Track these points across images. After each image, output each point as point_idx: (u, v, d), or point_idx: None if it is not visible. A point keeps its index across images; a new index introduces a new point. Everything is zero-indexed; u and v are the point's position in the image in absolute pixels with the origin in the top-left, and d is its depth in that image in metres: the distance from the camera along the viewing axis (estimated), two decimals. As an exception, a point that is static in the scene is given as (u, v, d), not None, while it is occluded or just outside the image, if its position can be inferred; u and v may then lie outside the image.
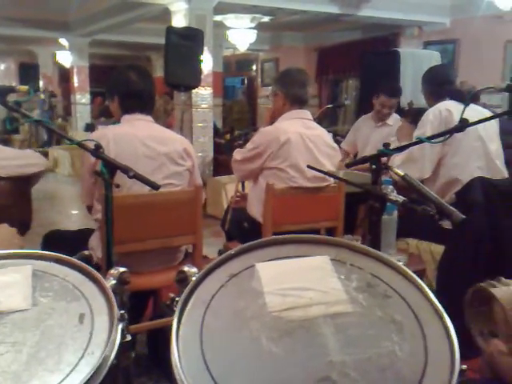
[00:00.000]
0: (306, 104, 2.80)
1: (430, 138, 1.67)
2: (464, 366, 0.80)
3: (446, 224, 2.81)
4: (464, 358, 1.26)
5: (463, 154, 2.83)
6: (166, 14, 6.04)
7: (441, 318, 0.85)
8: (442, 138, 1.58)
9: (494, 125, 2.93)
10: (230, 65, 11.48)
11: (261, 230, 2.71)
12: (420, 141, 1.69)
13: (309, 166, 2.14)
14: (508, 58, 5.11)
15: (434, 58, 4.93)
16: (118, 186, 1.74)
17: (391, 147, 1.80)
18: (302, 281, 0.94)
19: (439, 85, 3.03)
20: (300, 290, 0.93)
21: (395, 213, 2.45)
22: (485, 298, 1.31)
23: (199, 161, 6.09)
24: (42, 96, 11.85)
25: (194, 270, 1.02)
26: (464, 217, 1.53)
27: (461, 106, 2.82)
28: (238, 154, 2.86)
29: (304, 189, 2.76)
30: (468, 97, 2.78)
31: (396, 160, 2.93)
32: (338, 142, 4.94)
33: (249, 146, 2.79)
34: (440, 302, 2.57)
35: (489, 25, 5.04)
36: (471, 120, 2.85)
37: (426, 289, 0.90)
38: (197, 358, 0.81)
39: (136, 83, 2.35)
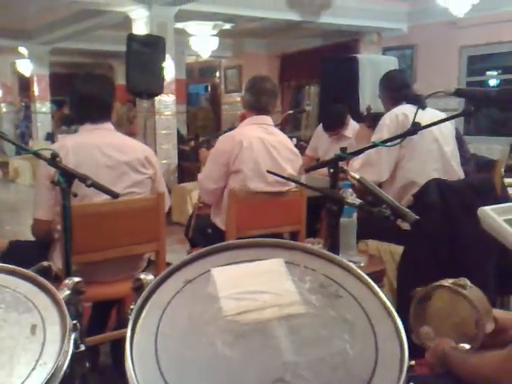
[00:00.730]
0: (266, 111, 2.83)
1: (385, 142, 1.71)
2: (412, 362, 0.83)
3: (405, 225, 2.87)
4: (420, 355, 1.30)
5: (420, 157, 2.90)
6: (126, 21, 6.01)
7: (390, 316, 0.88)
8: (395, 142, 1.63)
9: (449, 127, 3.01)
10: (193, 72, 11.47)
11: (224, 236, 2.72)
12: (375, 145, 1.73)
13: (268, 171, 2.16)
14: (462, 62, 5.27)
15: (391, 63, 5.03)
16: (75, 195, 1.72)
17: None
18: (256, 284, 0.96)
19: (396, 90, 3.09)
20: (254, 293, 0.94)
21: (355, 215, 2.48)
22: (433, 297, 1.34)
23: (164, 168, 6.06)
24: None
25: (151, 277, 1.02)
26: (417, 217, 1.57)
27: (419, 111, 2.91)
28: (207, 182, 2.84)
29: (266, 193, 2.78)
30: (421, 102, 2.84)
31: (355, 164, 2.98)
32: (302, 148, 5.00)
33: (210, 165, 2.79)
34: (400, 301, 2.63)
35: (444, 31, 5.18)
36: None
37: (377, 288, 0.93)
38: (151, 366, 0.81)
39: (90, 91, 2.33)
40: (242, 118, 2.94)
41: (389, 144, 1.66)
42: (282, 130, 5.98)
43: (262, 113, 2.82)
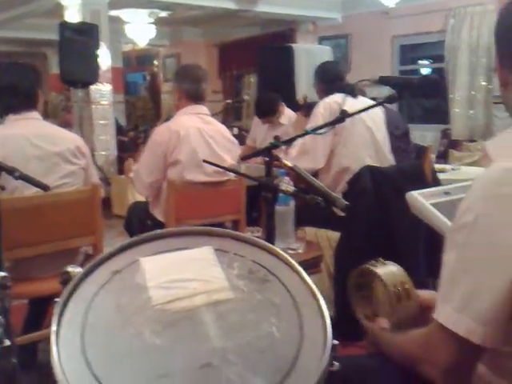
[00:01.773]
0: (202, 99, 2.83)
1: (315, 130, 1.75)
2: (336, 342, 0.86)
3: (340, 212, 2.95)
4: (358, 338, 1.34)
5: (353, 144, 2.98)
6: (58, 8, 5.81)
7: (315, 298, 0.91)
8: (325, 130, 1.67)
9: (379, 115, 3.11)
10: (130, 60, 11.24)
11: (164, 227, 2.71)
12: (306, 133, 1.77)
13: (205, 161, 2.17)
14: (395, 51, 5.42)
15: (326, 53, 5.13)
16: (3, 188, 1.67)
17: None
18: (185, 272, 0.96)
19: (329, 81, 3.16)
20: (184, 281, 0.95)
21: (292, 203, 2.53)
22: (367, 280, 1.39)
23: (102, 160, 5.94)
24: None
25: (79, 270, 1.01)
26: (347, 203, 1.62)
27: (350, 99, 3.00)
28: (143, 174, 2.80)
29: (205, 184, 2.78)
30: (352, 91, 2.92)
31: (292, 152, 3.03)
32: (244, 137, 5.02)
33: (146, 157, 2.76)
34: (338, 286, 2.70)
35: (377, 20, 5.31)
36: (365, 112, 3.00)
37: (303, 272, 0.96)
38: (78, 359, 0.81)
39: (10, 81, 2.25)
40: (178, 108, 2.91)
41: (319, 132, 1.70)
42: (224, 119, 6.04)
43: (199, 101, 2.81)
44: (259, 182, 1.76)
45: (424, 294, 1.35)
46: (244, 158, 2.38)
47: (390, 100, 1.46)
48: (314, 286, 0.92)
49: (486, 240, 0.97)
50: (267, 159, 1.82)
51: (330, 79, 3.16)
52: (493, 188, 0.97)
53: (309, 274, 2.57)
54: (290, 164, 1.71)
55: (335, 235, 2.94)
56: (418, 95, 1.42)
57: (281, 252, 1.00)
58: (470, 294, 0.97)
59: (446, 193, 2.00)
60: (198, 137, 2.74)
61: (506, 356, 1.04)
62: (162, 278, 0.95)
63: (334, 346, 0.85)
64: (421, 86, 1.44)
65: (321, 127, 1.70)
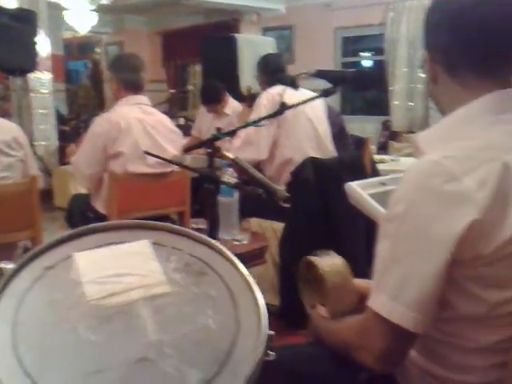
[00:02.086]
0: (141, 89, 2.79)
1: (256, 122, 1.76)
2: (271, 332, 0.87)
3: (284, 203, 2.99)
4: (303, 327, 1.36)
5: (296, 136, 3.02)
6: (-8, -7, 5.55)
7: (251, 289, 0.92)
8: (266, 122, 1.68)
9: (321, 107, 3.17)
10: (71, 48, 10.89)
11: (106, 220, 2.66)
12: (247, 124, 1.78)
13: (146, 152, 2.14)
14: (337, 43, 5.50)
15: (269, 44, 5.15)
16: None
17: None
18: (121, 267, 0.96)
19: (271, 73, 3.20)
20: (119, 276, 0.94)
21: (236, 194, 2.54)
22: (312, 271, 1.42)
23: (42, 150, 5.76)
24: None
25: (11, 265, 0.98)
26: (288, 195, 1.65)
27: (292, 91, 3.02)
28: (82, 166, 2.74)
29: (148, 175, 2.75)
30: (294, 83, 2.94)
31: (236, 143, 3.05)
32: (189, 127, 4.98)
33: (85, 148, 2.69)
34: (283, 276, 2.73)
35: (319, 12, 5.37)
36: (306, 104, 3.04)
37: (240, 264, 0.97)
38: (9, 355, 0.79)
39: None
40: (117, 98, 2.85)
41: (259, 124, 1.72)
42: (170, 109, 5.96)
43: (138, 91, 2.77)
44: (201, 173, 1.77)
45: (362, 282, 1.39)
46: (187, 150, 2.38)
47: (326, 93, 1.50)
48: (249, 278, 0.93)
49: (415, 230, 1.00)
50: (209, 151, 1.82)
51: (272, 71, 3.19)
52: (422, 180, 1.00)
53: (254, 265, 2.60)
54: (231, 156, 1.72)
55: (280, 226, 2.98)
56: (354, 88, 1.45)
57: (217, 244, 1.00)
58: (401, 282, 1.01)
59: (383, 183, 2.05)
60: (140, 128, 2.70)
61: (437, 342, 1.09)
62: (96, 273, 0.94)
63: (269, 337, 0.87)
64: (356, 79, 1.48)
65: (261, 119, 1.72)
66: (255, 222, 3.08)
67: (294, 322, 1.76)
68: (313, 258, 1.40)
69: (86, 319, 0.86)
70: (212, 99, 4.27)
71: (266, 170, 3.16)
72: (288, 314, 2.63)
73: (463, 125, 1.08)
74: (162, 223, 1.07)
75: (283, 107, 1.63)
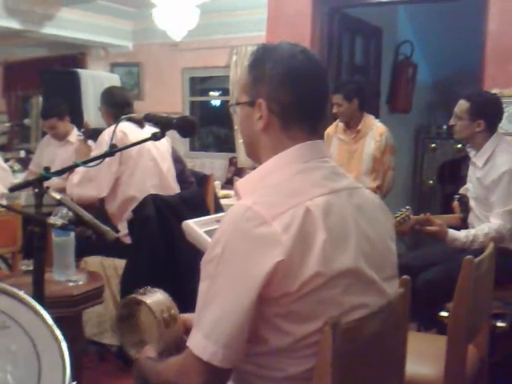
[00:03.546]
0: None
1: (86, 162, 1.73)
2: (74, 383, 0.87)
3: (127, 240, 2.96)
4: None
5: (139, 174, 3.02)
6: None
7: (57, 340, 0.90)
8: (96, 163, 1.68)
9: (165, 145, 3.21)
10: None
11: None
12: (76, 165, 1.75)
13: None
14: (185, 83, 5.62)
15: (114, 80, 5.12)
16: None
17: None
18: None
19: (118, 106, 3.16)
20: None
21: (72, 234, 2.46)
22: (134, 310, 1.41)
23: None
24: None
25: None
26: (117, 235, 1.64)
27: (137, 129, 3.03)
28: None
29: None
30: (140, 121, 2.95)
31: (74, 179, 2.96)
32: (30, 161, 4.69)
33: None
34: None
35: (166, 52, 5.45)
36: (150, 142, 3.05)
37: (46, 315, 0.94)
38: None
39: None
40: None
41: (91, 164, 1.70)
42: (10, 141, 5.59)
43: None
44: (24, 215, 1.69)
45: (193, 317, 1.43)
46: (12, 190, 2.25)
47: (155, 138, 1.54)
48: (56, 329, 0.92)
49: (230, 271, 1.06)
50: (36, 191, 1.75)
51: (118, 104, 3.15)
52: (237, 223, 1.07)
53: (92, 305, 2.49)
54: (57, 196, 1.67)
55: (122, 263, 2.94)
56: (180, 134, 1.51)
57: (23, 295, 0.97)
58: (215, 320, 1.06)
59: (218, 221, 2.13)
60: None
61: (251, 374, 1.15)
62: None
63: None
64: (179, 125, 1.54)
65: (89, 160, 1.70)
66: (95, 261, 3.00)
67: (132, 362, 1.73)
68: (139, 296, 1.40)
69: None
70: (53, 113, 4.02)
71: (109, 207, 3.11)
72: (126, 354, 2.57)
73: (273, 173, 1.17)
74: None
75: (112, 149, 1.63)
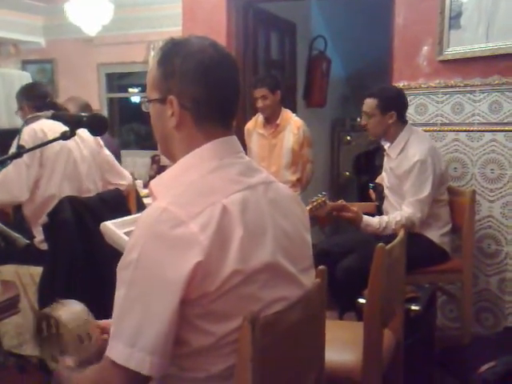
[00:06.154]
0: None
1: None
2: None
3: (43, 245, 2.84)
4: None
5: (58, 176, 2.91)
6: None
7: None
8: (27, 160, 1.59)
9: (91, 145, 3.08)
10: None
11: None
12: (-21, 168, 1.66)
13: None
14: (101, 79, 5.46)
15: (24, 78, 4.90)
16: None
17: None
18: None
19: (39, 98, 3.02)
20: None
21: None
22: (51, 322, 1.37)
23: None
24: None
25: None
26: (28, 242, 1.57)
27: (59, 127, 2.88)
28: None
29: None
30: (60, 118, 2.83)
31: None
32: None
33: None
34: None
35: (82, 47, 5.27)
36: (73, 141, 2.94)
37: None
38: None
39: None
40: None
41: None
42: None
43: None
44: None
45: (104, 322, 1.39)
46: None
47: (64, 137, 1.48)
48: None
49: (147, 276, 1.03)
50: None
51: (39, 96, 3.03)
52: (152, 226, 1.03)
53: (8, 316, 2.39)
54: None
55: (38, 270, 2.81)
56: (91, 132, 1.47)
57: None
58: (137, 328, 1.02)
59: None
60: None
61: (173, 377, 1.13)
62: None
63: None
64: (89, 123, 1.49)
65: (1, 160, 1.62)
66: (10, 270, 2.86)
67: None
68: (53, 310, 1.36)
69: None
70: None
71: (27, 210, 2.98)
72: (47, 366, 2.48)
73: (188, 171, 1.15)
74: None
75: (20, 150, 1.56)
